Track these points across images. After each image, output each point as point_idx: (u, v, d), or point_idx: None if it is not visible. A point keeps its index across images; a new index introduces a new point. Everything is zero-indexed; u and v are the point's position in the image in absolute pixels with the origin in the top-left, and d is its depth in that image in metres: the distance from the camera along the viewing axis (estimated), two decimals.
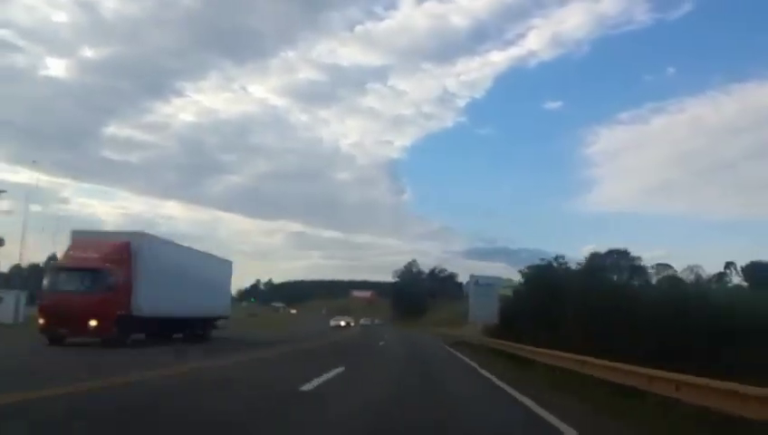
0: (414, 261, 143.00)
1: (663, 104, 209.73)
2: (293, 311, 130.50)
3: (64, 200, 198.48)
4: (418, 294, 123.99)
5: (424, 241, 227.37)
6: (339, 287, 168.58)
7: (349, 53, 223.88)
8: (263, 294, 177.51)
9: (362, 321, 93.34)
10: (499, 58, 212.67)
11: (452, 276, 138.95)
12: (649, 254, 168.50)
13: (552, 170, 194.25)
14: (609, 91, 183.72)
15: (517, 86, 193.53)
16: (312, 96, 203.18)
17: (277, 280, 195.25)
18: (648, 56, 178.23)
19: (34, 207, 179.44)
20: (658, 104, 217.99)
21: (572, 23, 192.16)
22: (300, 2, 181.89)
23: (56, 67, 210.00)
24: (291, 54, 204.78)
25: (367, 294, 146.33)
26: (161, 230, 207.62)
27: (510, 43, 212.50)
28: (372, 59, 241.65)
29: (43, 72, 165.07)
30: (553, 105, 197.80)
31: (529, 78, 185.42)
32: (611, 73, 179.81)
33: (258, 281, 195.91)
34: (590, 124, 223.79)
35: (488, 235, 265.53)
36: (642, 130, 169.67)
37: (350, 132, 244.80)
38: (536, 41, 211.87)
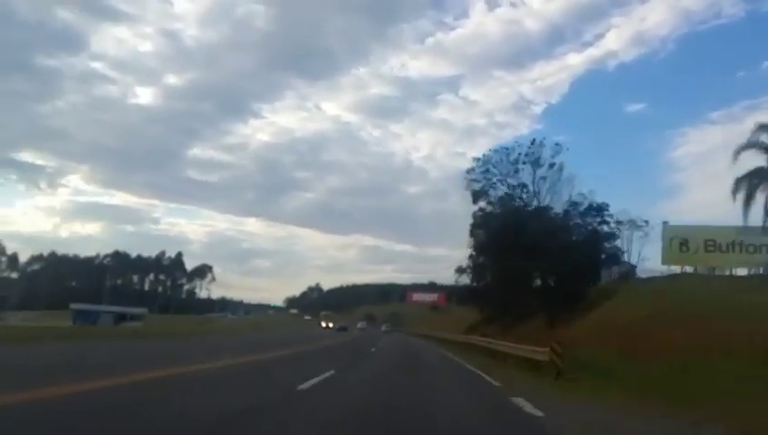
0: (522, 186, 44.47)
1: (758, 102, 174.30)
2: (307, 317, 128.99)
3: (155, 220, 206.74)
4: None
5: None
6: (396, 291, 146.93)
7: (419, 66, 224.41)
8: (312, 302, 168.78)
9: (359, 325, 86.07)
10: (576, 61, 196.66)
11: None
12: None
13: (634, 176, 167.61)
14: (698, 90, 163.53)
15: (596, 89, 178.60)
16: (384, 111, 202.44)
17: (329, 286, 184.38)
18: (740, 51, 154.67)
19: (128, 228, 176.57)
20: (753, 102, 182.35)
21: (655, 20, 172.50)
22: (370, 17, 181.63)
23: (144, 95, 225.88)
24: (362, 71, 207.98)
25: (432, 296, 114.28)
26: (243, 247, 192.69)
27: (587, 44, 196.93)
28: (443, 70, 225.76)
29: (132, 101, 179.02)
30: (636, 107, 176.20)
31: (609, 80, 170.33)
32: (700, 71, 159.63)
33: (308, 288, 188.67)
34: (676, 126, 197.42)
35: None
36: (735, 130, 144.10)
37: (421, 145, 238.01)
38: (616, 41, 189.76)
